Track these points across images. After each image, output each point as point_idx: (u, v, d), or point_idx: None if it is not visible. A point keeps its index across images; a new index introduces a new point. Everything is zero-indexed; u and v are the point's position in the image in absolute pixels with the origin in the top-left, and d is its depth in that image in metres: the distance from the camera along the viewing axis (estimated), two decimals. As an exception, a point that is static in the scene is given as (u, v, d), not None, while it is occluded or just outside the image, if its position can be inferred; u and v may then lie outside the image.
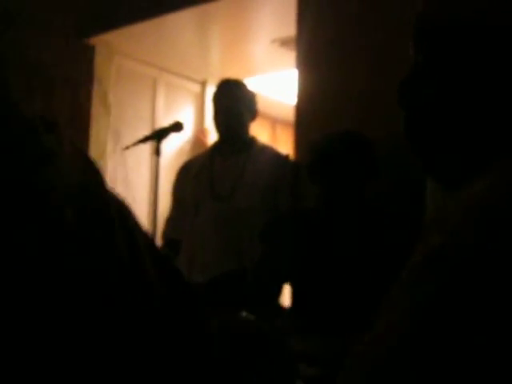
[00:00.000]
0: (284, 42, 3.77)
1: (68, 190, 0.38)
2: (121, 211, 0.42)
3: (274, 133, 5.90)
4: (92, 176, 0.41)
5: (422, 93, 0.68)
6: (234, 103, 2.63)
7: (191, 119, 4.55)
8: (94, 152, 3.77)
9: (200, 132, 4.50)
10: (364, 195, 2.10)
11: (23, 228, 0.35)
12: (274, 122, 5.81)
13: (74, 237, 0.37)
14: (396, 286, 0.57)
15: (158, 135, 2.57)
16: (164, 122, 4.29)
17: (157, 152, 2.54)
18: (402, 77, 0.73)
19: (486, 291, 0.48)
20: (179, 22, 3.61)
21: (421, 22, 0.69)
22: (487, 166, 0.59)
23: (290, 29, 3.20)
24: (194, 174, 2.69)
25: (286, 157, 2.70)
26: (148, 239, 0.45)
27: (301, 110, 2.89)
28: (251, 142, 2.72)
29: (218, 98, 2.68)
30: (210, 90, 4.54)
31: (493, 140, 0.63)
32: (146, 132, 4.10)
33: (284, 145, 5.63)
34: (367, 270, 1.97)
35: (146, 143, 2.67)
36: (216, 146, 2.77)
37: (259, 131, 5.13)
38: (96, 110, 3.89)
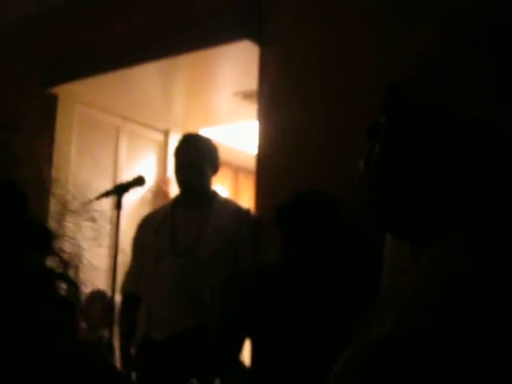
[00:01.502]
0: (246, 95, 3.83)
1: None
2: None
3: (237, 181, 5.93)
4: None
5: (379, 151, 0.72)
6: (195, 158, 2.66)
7: (153, 168, 4.55)
8: (54, 206, 3.73)
9: (162, 181, 4.50)
10: (327, 253, 2.12)
11: None
12: (237, 170, 5.86)
13: None
14: (342, 369, 0.59)
15: (120, 189, 2.57)
16: (126, 170, 4.29)
17: (118, 206, 2.54)
18: (364, 130, 0.77)
19: (432, 380, 0.50)
20: (143, 73, 3.65)
21: (391, 91, 0.74)
22: (444, 225, 0.62)
23: (252, 82, 3.27)
24: (156, 228, 2.68)
25: (247, 211, 2.73)
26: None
27: (261, 160, 2.95)
28: (213, 196, 2.74)
29: (179, 152, 2.70)
30: (173, 139, 4.55)
31: (447, 202, 0.66)
32: (109, 182, 4.10)
33: (246, 192, 5.67)
34: (327, 330, 1.98)
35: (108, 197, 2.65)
36: (178, 199, 2.78)
37: (222, 179, 5.16)
38: (57, 160, 3.87)
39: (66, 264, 0.56)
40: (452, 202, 0.65)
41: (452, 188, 0.65)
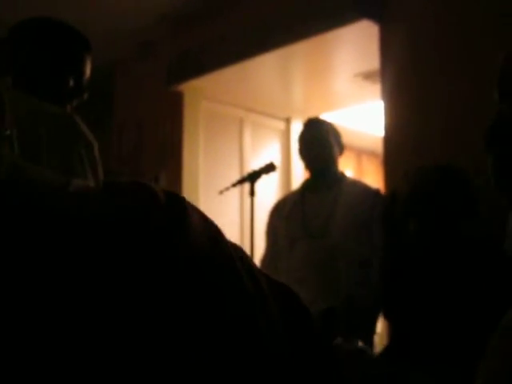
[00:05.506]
0: (367, 76, 3.80)
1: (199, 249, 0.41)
2: (240, 254, 0.45)
3: (360, 163, 5.89)
4: (212, 228, 0.44)
5: (510, 140, 0.69)
6: (324, 136, 2.68)
7: (277, 156, 4.63)
8: (187, 196, 3.89)
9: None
10: (460, 229, 2.07)
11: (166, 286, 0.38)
12: (360, 152, 5.81)
13: (211, 287, 0.39)
14: (502, 331, 0.59)
15: (253, 176, 2.65)
16: (252, 160, 4.40)
17: (251, 193, 2.61)
18: (489, 115, 0.74)
19: None
20: (263, 64, 3.72)
21: (506, 72, 0.71)
22: None
23: (372, 62, 3.24)
24: (286, 214, 2.73)
25: (377, 190, 2.71)
26: (266, 276, 0.48)
27: (389, 142, 2.90)
28: (341, 176, 2.75)
29: (308, 133, 2.73)
30: (295, 127, 4.61)
31: None
32: (236, 171, 4.23)
33: (370, 175, 5.61)
34: (464, 306, 1.94)
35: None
36: (307, 183, 2.81)
37: (345, 162, 5.15)
38: (187, 153, 4.05)
39: None
40: None
41: None
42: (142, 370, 0.36)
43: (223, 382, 0.38)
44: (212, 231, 0.43)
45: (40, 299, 0.35)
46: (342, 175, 2.76)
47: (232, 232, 4.20)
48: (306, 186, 2.80)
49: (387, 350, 2.19)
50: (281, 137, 4.71)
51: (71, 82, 1.53)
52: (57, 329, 0.35)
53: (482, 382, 0.58)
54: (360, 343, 1.71)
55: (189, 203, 0.43)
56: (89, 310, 0.36)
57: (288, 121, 4.72)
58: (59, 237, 0.37)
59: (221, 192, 2.68)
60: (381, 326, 2.72)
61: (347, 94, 4.27)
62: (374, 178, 5.24)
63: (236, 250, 0.44)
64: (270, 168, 2.65)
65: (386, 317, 2.34)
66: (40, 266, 0.36)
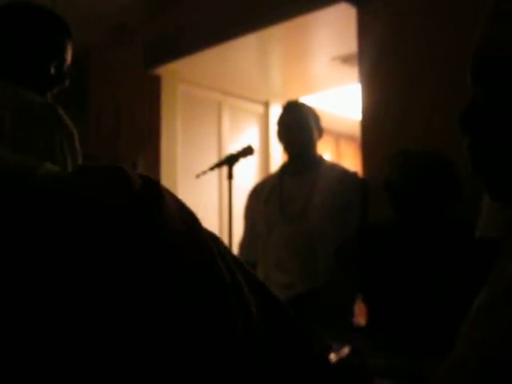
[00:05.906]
0: (345, 59, 3.79)
1: (176, 230, 0.41)
2: (216, 242, 0.45)
3: (338, 147, 5.90)
4: (189, 215, 0.44)
5: (485, 124, 0.69)
6: (304, 119, 2.68)
7: (256, 139, 4.62)
8: (165, 180, 3.88)
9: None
10: (443, 214, 2.08)
11: (141, 268, 0.38)
12: (338, 136, 5.82)
13: (186, 272, 0.39)
14: (476, 313, 0.59)
15: (230, 160, 2.64)
16: (230, 143, 4.39)
17: (229, 176, 2.60)
18: (466, 100, 0.74)
19: None
20: (240, 46, 3.70)
21: (479, 53, 0.71)
22: None
23: (350, 46, 3.24)
24: (265, 198, 2.73)
25: (355, 174, 2.72)
26: (241, 265, 0.48)
27: (366, 125, 2.91)
28: (319, 160, 2.75)
29: (287, 116, 2.72)
30: (274, 110, 4.60)
31: None
32: (214, 155, 4.22)
33: (349, 159, 5.63)
34: (444, 287, 1.96)
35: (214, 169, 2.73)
36: (285, 166, 2.81)
37: (323, 147, 5.16)
38: (165, 137, 4.02)
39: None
40: None
41: None
42: (108, 357, 0.36)
43: (191, 372, 0.38)
44: (188, 218, 0.42)
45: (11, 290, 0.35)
46: (321, 159, 2.76)
47: (210, 216, 4.19)
48: (285, 169, 2.80)
49: (362, 330, 2.21)
50: (259, 120, 4.69)
51: (52, 69, 1.50)
52: (26, 314, 0.35)
53: (463, 350, 0.58)
54: (347, 349, 1.72)
55: (165, 189, 0.42)
56: (57, 296, 0.35)
57: (266, 104, 4.71)
58: (26, 220, 0.36)
59: (198, 176, 2.66)
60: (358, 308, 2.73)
61: (325, 77, 4.27)
62: (351, 162, 5.26)
63: (212, 238, 0.44)
64: (247, 151, 2.64)
65: (364, 301, 2.36)
66: (9, 251, 0.35)
